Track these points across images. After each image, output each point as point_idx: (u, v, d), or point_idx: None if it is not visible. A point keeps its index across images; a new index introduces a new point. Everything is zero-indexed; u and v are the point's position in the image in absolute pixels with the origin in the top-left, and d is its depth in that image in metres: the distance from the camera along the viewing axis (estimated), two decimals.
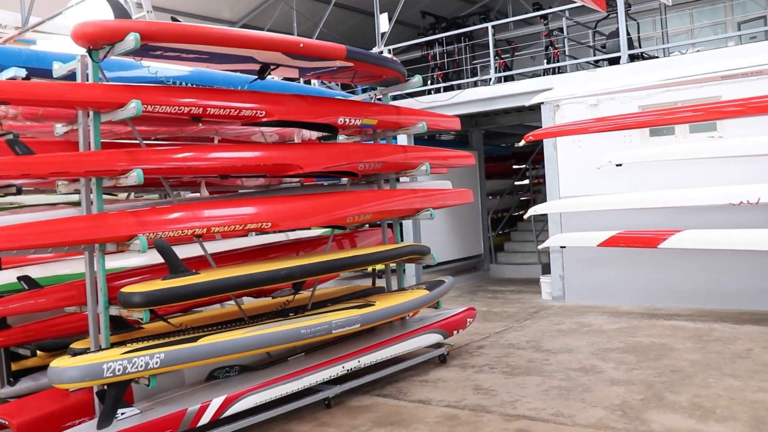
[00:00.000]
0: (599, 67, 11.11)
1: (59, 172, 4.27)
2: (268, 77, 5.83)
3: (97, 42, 4.44)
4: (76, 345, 4.86)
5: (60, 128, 5.09)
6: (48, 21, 9.20)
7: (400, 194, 6.68)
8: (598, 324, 8.19)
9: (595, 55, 12.27)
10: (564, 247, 9.54)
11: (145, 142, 5.80)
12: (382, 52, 11.71)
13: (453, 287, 9.77)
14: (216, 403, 4.67)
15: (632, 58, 10.04)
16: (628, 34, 9.91)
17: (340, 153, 6.00)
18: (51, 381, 4.15)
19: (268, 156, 5.34)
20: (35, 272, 5.71)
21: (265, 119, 5.30)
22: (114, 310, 4.57)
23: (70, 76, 4.78)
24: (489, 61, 11.61)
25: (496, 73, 11.46)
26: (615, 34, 10.40)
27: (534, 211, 9.29)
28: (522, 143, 8.38)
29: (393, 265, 7.06)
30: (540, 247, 9.85)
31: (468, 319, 7.19)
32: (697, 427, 4.58)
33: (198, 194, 6.02)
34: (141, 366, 4.21)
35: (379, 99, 7.09)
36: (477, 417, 5.04)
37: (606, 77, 9.41)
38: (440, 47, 14.56)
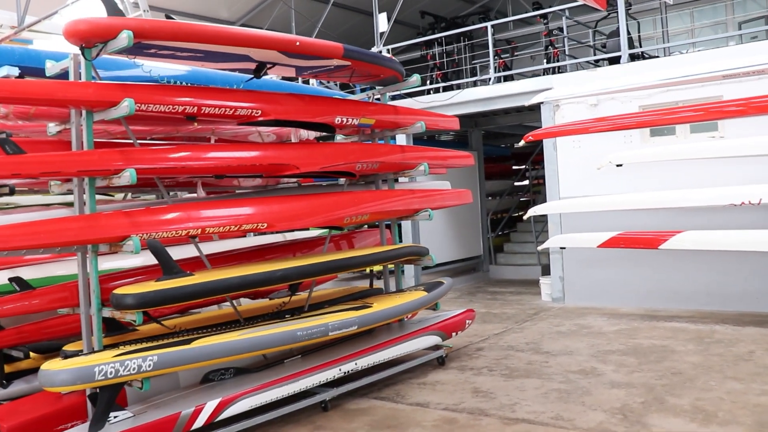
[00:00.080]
0: (599, 66, 11.05)
1: (50, 172, 4.20)
2: (268, 76, 5.77)
3: (90, 40, 4.37)
4: (69, 347, 4.79)
5: (53, 127, 5.03)
6: (44, 20, 9.12)
7: (398, 195, 6.62)
8: (598, 326, 8.13)
9: (595, 55, 12.21)
10: (564, 248, 9.49)
11: (140, 141, 5.75)
12: (381, 52, 11.65)
13: (452, 288, 9.74)
14: (210, 406, 4.60)
15: (633, 57, 9.98)
16: (628, 33, 9.86)
17: (337, 153, 5.93)
18: (42, 384, 4.09)
19: (264, 156, 5.27)
20: (29, 273, 5.65)
21: (261, 118, 5.24)
22: (107, 312, 4.50)
23: (63, 75, 4.72)
24: (488, 60, 11.55)
25: (495, 72, 11.40)
26: (615, 33, 10.34)
27: (534, 211, 9.24)
28: (522, 143, 8.33)
29: (391, 266, 7.00)
30: (540, 248, 9.80)
31: (467, 321, 7.13)
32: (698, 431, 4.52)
33: (195, 195, 5.96)
34: (133, 369, 4.14)
35: (377, 98, 7.03)
36: (475, 420, 4.98)
37: (606, 77, 9.36)
38: (439, 47, 14.50)
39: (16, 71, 4.98)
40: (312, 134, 7.09)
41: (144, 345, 4.41)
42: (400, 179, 8.06)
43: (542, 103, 9.56)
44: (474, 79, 13.46)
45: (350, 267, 5.96)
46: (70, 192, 4.72)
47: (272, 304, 6.24)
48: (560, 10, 11.25)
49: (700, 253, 8.35)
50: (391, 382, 6.06)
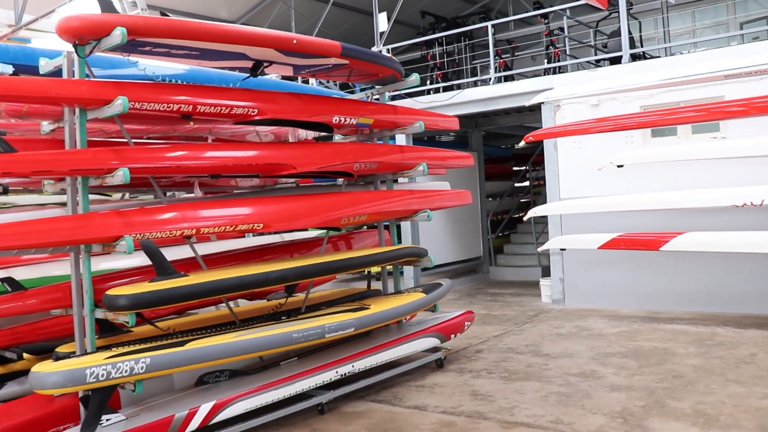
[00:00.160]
0: (600, 66, 10.98)
1: (42, 171, 4.14)
2: (268, 76, 5.71)
3: (83, 37, 4.32)
4: (62, 348, 4.74)
5: (46, 126, 4.97)
6: (41, 19, 9.08)
7: (396, 195, 6.56)
8: (598, 328, 8.06)
9: (596, 55, 12.15)
10: (564, 249, 9.43)
11: (136, 141, 5.69)
12: (381, 52, 11.59)
13: (452, 290, 9.67)
14: (204, 409, 4.53)
15: (634, 57, 9.92)
16: (629, 33, 9.80)
17: (334, 153, 5.87)
18: (32, 386, 4.01)
19: (260, 155, 5.21)
20: (24, 273, 5.59)
21: (257, 118, 5.18)
22: (100, 313, 4.44)
23: (57, 72, 4.66)
24: (489, 61, 11.49)
25: (496, 73, 11.33)
26: (616, 33, 10.29)
27: (534, 212, 9.17)
28: (522, 144, 8.28)
29: (390, 267, 6.93)
30: (540, 249, 9.75)
31: (466, 323, 7.07)
32: None
33: (192, 195, 5.90)
34: (126, 371, 4.07)
35: (376, 98, 6.96)
36: (474, 424, 4.91)
37: (607, 77, 9.30)
38: (440, 47, 14.44)
39: (10, 69, 4.92)
40: (311, 134, 7.03)
41: (137, 347, 4.35)
42: (400, 180, 7.99)
43: (543, 103, 9.50)
44: (474, 79, 13.40)
45: (347, 268, 5.89)
46: (64, 192, 4.66)
47: (270, 306, 6.18)
48: (561, 9, 11.19)
49: (701, 255, 8.29)
50: (389, 384, 6.00)
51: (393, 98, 11.82)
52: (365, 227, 7.63)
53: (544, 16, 11.95)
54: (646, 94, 8.82)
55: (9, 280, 5.05)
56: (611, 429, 4.63)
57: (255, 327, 5.00)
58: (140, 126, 5.64)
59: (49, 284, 5.08)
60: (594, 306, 9.39)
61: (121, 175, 4.24)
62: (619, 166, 8.01)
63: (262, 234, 7.91)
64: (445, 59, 14.46)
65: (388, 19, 12.07)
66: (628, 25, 9.75)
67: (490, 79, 11.29)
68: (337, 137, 7.01)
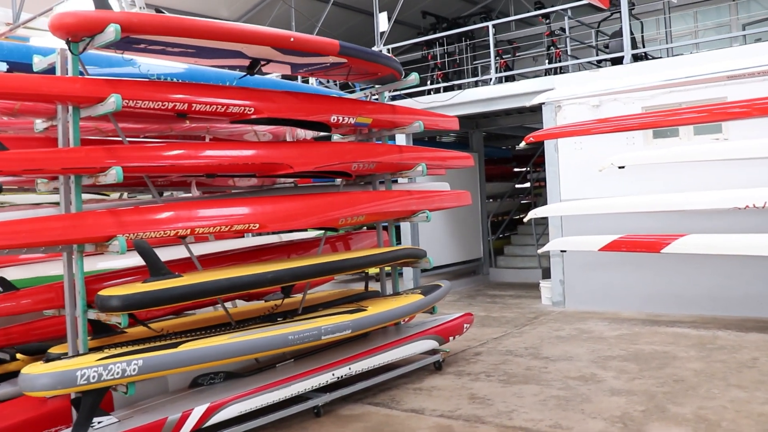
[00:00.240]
0: (602, 67, 10.92)
1: (33, 169, 4.07)
2: (269, 75, 5.65)
3: (77, 33, 4.26)
4: (55, 350, 4.67)
5: (40, 124, 4.91)
6: (39, 17, 9.00)
7: (394, 195, 6.50)
8: (598, 330, 7.99)
9: (597, 55, 12.09)
10: (564, 251, 9.36)
11: (132, 139, 5.63)
12: (381, 52, 11.52)
13: (451, 291, 9.59)
14: (198, 411, 4.47)
15: (635, 58, 9.85)
16: (631, 33, 9.73)
17: (332, 152, 5.80)
18: (22, 388, 3.96)
19: (256, 155, 5.15)
20: (18, 273, 5.53)
21: (254, 116, 5.11)
22: (92, 314, 4.37)
23: (51, 70, 4.60)
24: (490, 61, 11.42)
25: (496, 73, 11.27)
26: (618, 33, 10.22)
27: (534, 214, 9.10)
28: (523, 145, 8.22)
29: (388, 268, 6.86)
30: (540, 251, 9.67)
31: (465, 325, 7.00)
32: None
33: (189, 194, 5.84)
34: (117, 373, 4.02)
35: (376, 97, 6.90)
36: (471, 428, 4.84)
37: (609, 77, 9.23)
38: (440, 47, 14.38)
39: (4, 66, 4.86)
40: (310, 134, 6.97)
41: (130, 348, 4.28)
42: (399, 180, 7.93)
43: (544, 103, 9.44)
44: (475, 79, 13.32)
45: (344, 269, 5.83)
46: (56, 190, 4.60)
47: (267, 307, 6.11)
48: (562, 10, 11.13)
49: (702, 257, 8.22)
50: (386, 387, 5.93)
51: (393, 98, 11.76)
52: (364, 228, 7.56)
53: (546, 16, 11.88)
54: (647, 95, 8.75)
55: (1, 280, 4.98)
56: None
57: (250, 329, 4.94)
58: (136, 125, 5.58)
59: (41, 284, 5.01)
60: (594, 308, 9.32)
61: (114, 174, 4.18)
62: (620, 168, 7.95)
63: (260, 234, 7.86)
64: (446, 59, 14.39)
65: (389, 19, 12.01)
66: (630, 25, 9.69)
67: (490, 79, 11.22)
68: (336, 137, 6.94)
